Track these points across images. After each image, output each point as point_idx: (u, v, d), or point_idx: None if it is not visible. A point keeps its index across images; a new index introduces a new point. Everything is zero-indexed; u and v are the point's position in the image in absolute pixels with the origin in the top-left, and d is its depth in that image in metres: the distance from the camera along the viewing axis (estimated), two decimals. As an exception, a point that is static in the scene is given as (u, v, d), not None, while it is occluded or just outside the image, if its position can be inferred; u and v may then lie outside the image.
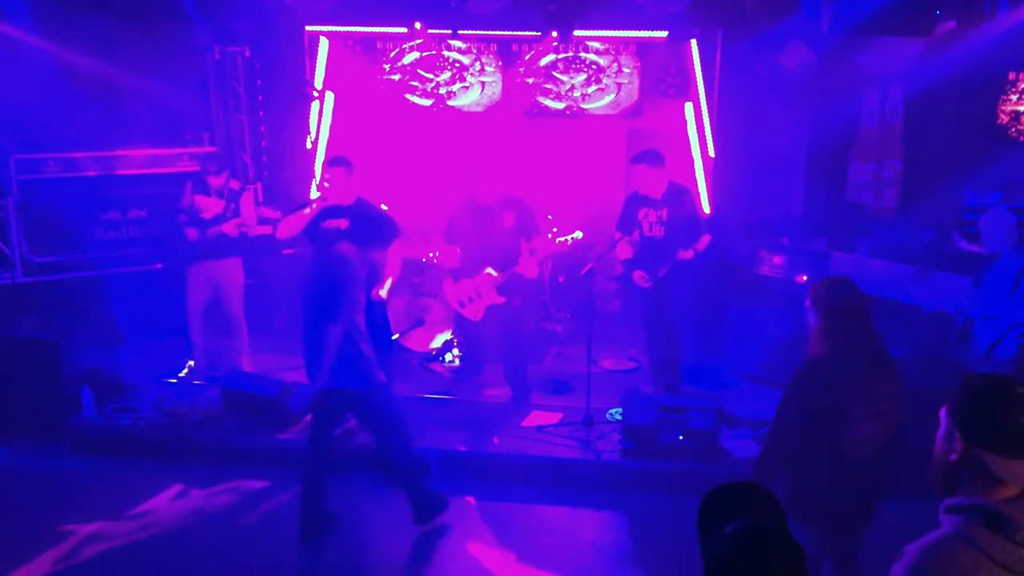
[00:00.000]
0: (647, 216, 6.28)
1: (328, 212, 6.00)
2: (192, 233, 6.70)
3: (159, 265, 7.87)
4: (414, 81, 8.81)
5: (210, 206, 6.72)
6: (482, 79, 8.79)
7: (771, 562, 1.77)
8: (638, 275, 6.35)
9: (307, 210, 6.06)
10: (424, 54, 8.74)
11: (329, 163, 6.15)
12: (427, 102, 8.82)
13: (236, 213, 6.75)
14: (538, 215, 6.71)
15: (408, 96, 8.84)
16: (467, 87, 8.81)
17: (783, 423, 3.54)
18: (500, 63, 8.76)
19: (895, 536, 2.29)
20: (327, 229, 5.88)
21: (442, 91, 8.80)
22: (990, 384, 2.00)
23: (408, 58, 8.79)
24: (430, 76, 8.78)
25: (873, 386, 3.40)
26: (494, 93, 8.80)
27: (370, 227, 5.12)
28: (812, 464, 3.45)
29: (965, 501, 1.93)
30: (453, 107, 8.80)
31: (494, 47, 8.76)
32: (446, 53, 8.74)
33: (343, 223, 5.81)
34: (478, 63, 8.77)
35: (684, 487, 5.17)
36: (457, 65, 8.76)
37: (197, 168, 7.16)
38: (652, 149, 6.36)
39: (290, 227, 6.13)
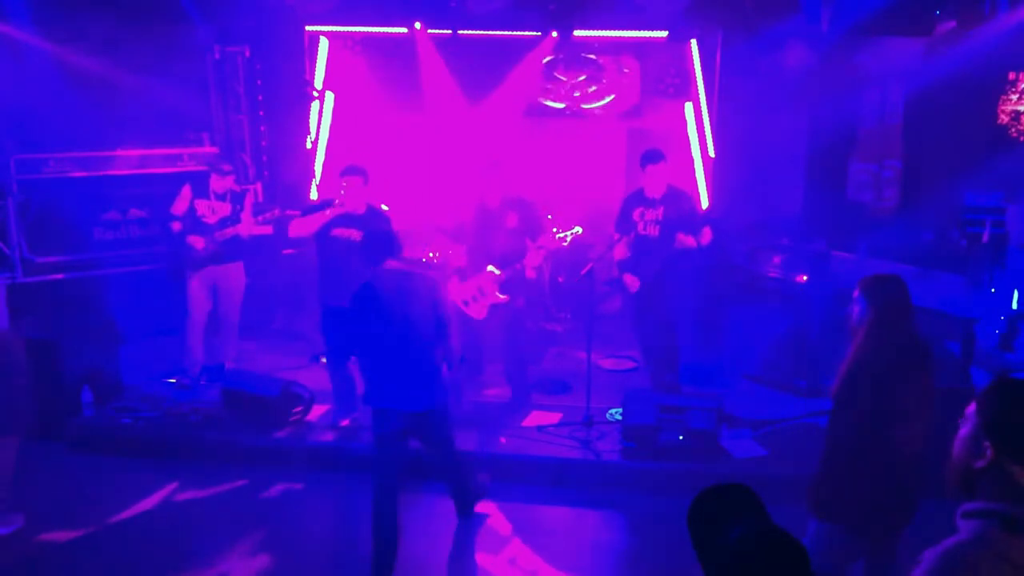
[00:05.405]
0: (643, 215, 6.27)
1: (339, 220, 5.89)
2: (197, 241, 6.56)
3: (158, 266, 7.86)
4: (548, 84, 8.88)
5: (216, 209, 6.65)
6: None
7: (783, 567, 1.76)
8: (628, 279, 6.33)
9: (328, 212, 5.93)
10: (560, 56, 8.75)
11: (346, 171, 5.91)
12: (561, 105, 8.88)
13: (237, 216, 6.67)
14: (542, 215, 6.71)
15: (542, 99, 8.89)
16: (600, 90, 8.83)
17: (840, 440, 3.41)
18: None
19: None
20: (338, 238, 5.85)
21: (576, 93, 8.82)
22: None
23: (544, 59, 8.76)
24: (564, 79, 8.82)
25: (921, 380, 3.37)
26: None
27: (381, 242, 4.79)
28: (868, 469, 3.33)
29: (984, 506, 1.89)
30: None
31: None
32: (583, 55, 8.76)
33: (355, 234, 5.70)
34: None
35: (684, 487, 5.12)
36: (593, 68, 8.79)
37: (197, 168, 7.01)
38: (655, 148, 6.35)
39: (305, 227, 6.00)
